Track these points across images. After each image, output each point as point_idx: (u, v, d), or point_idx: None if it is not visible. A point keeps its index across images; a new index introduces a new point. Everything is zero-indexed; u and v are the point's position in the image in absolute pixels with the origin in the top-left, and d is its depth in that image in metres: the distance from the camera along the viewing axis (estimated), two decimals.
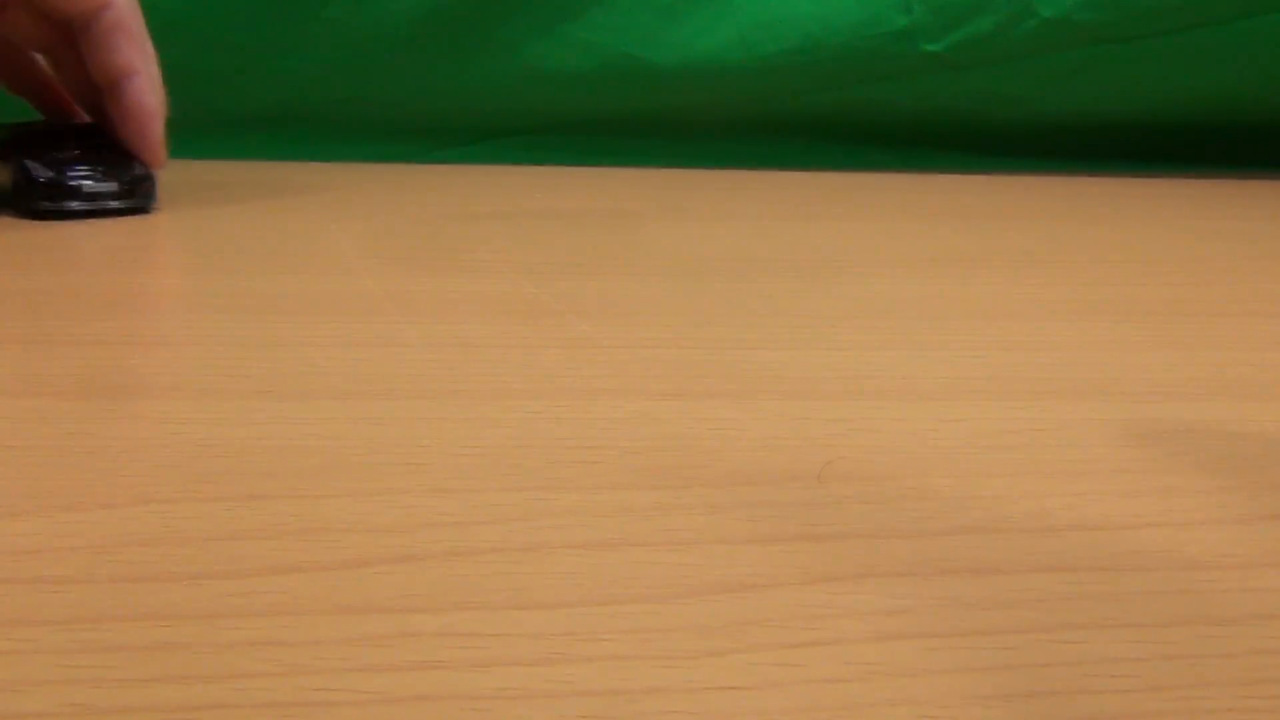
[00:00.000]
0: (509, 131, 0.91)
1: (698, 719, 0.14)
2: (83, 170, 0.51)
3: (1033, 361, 0.31)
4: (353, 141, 0.92)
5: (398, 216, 0.58)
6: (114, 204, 0.52)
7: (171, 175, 0.79)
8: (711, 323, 0.35)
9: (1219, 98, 0.82)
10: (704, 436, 0.24)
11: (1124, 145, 0.87)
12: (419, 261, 0.45)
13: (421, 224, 0.56)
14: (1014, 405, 0.27)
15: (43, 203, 0.51)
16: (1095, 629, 0.17)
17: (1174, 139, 0.86)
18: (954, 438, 0.25)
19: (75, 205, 0.51)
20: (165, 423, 0.25)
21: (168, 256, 0.46)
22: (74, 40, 0.54)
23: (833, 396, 0.27)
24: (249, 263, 0.44)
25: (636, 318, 0.36)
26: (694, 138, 0.89)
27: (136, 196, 0.53)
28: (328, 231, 0.53)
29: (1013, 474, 0.23)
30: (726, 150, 0.89)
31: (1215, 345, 0.34)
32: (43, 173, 0.51)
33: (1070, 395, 0.28)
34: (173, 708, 0.14)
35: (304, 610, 0.17)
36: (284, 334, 0.33)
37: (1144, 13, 0.78)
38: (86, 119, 0.59)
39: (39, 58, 0.58)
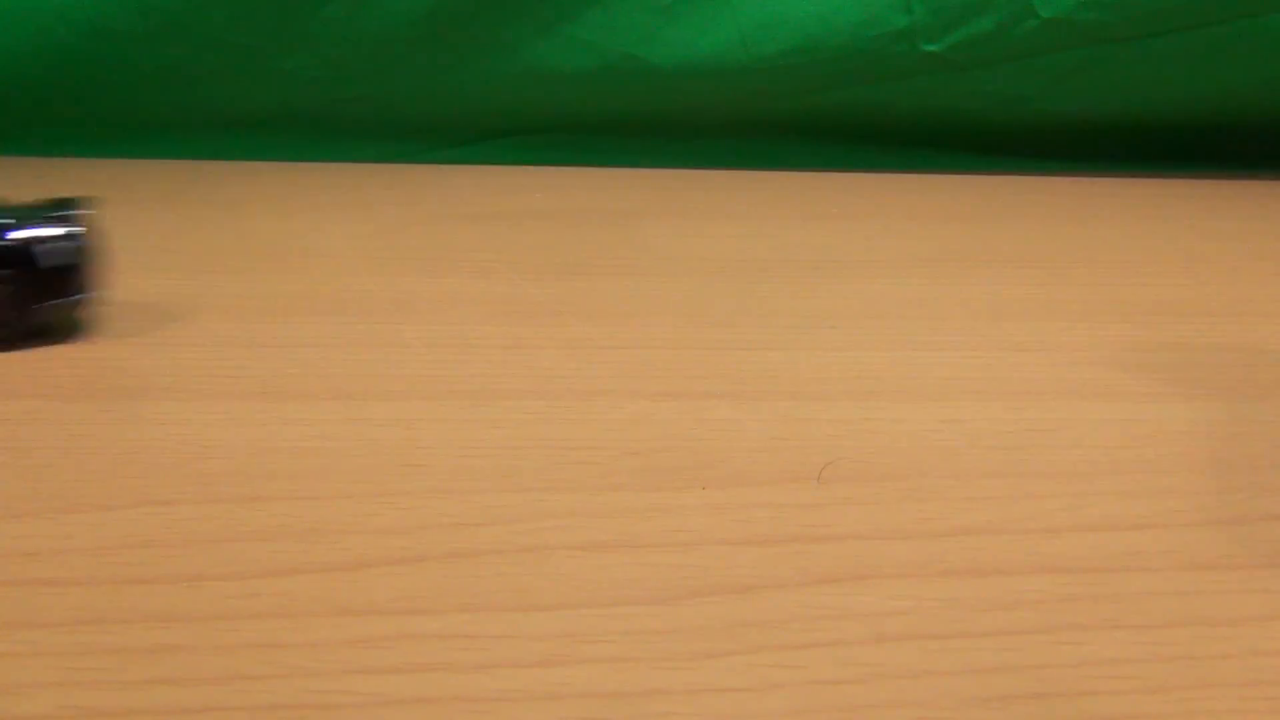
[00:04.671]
0: (508, 131, 0.91)
1: None
2: None
3: (1032, 362, 0.31)
4: (352, 141, 0.92)
5: (397, 217, 0.58)
6: None
7: (171, 176, 0.78)
8: (711, 323, 0.35)
9: (1219, 98, 0.82)
10: (704, 437, 0.24)
11: (1124, 145, 0.87)
12: (419, 262, 0.45)
13: (421, 224, 0.56)
14: (1013, 406, 0.27)
15: None
16: (1095, 630, 0.17)
17: (1174, 139, 0.86)
18: (954, 438, 0.25)
19: None
20: (165, 424, 0.25)
21: (165, 258, 0.46)
22: None
23: (832, 397, 0.27)
24: (248, 263, 0.44)
25: (636, 318, 0.36)
26: (694, 138, 0.89)
27: None
28: (327, 232, 0.53)
29: (1012, 475, 0.23)
30: (726, 150, 0.89)
31: (1214, 346, 0.34)
32: None
33: (1069, 396, 0.28)
34: (173, 710, 0.14)
35: (304, 612, 0.17)
36: (284, 335, 0.33)
37: (1144, 13, 0.78)
38: None
39: None
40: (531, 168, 0.84)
